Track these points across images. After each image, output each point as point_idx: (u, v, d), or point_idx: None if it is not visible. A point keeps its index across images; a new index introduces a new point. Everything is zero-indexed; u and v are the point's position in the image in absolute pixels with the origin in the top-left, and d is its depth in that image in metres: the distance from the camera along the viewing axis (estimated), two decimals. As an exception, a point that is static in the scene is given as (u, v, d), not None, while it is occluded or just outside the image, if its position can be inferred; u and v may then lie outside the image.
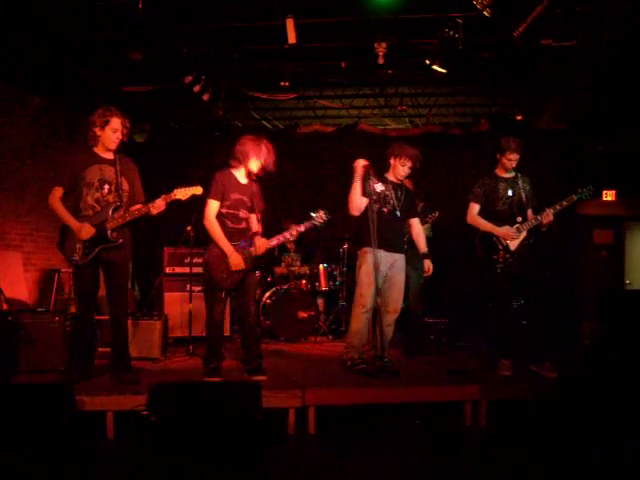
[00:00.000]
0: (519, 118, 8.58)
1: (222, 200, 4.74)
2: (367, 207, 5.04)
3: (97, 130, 4.51)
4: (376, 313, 5.02)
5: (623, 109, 7.14)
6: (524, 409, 4.45)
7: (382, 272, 5.06)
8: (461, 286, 8.53)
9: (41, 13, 5.42)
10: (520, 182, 5.17)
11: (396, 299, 5.20)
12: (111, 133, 4.51)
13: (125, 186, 4.61)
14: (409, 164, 5.14)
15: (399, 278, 5.21)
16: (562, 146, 8.32)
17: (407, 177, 5.31)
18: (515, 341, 5.19)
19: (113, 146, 4.57)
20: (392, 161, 5.21)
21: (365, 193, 5.03)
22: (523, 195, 5.13)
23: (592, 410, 4.11)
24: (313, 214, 4.86)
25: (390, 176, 5.23)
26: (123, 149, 4.69)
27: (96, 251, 4.47)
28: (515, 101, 8.48)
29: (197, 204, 4.80)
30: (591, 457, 3.77)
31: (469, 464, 3.82)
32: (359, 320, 5.15)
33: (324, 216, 4.84)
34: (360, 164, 5.06)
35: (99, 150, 4.58)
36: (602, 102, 7.16)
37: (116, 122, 4.51)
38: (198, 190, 4.59)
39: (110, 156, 4.61)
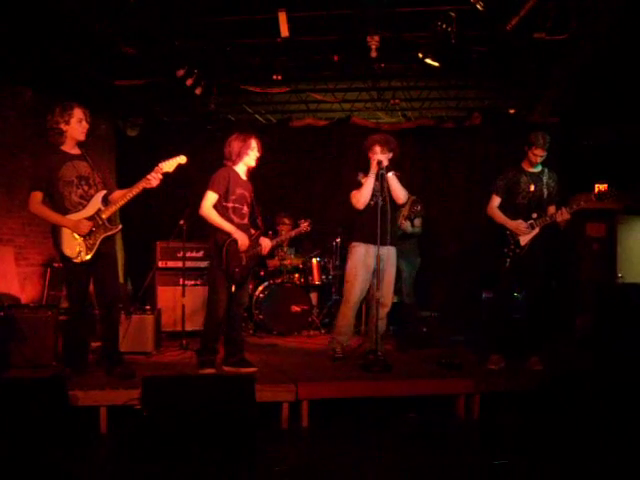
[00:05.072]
0: (511, 112, 8.58)
1: (228, 194, 4.76)
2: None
3: (62, 126, 4.44)
4: (368, 307, 5.06)
5: (615, 102, 7.15)
6: (517, 402, 4.47)
7: (371, 266, 5.10)
8: (454, 279, 8.55)
9: (33, 7, 5.37)
10: (545, 178, 5.15)
11: (387, 292, 5.25)
12: (77, 124, 4.47)
13: (99, 179, 4.59)
14: (378, 149, 5.15)
15: (389, 271, 5.24)
16: (554, 139, 8.32)
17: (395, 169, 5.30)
18: (508, 336, 5.20)
19: (82, 137, 4.52)
20: (370, 154, 5.23)
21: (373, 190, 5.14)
22: (545, 191, 5.11)
23: (584, 403, 4.14)
24: (300, 222, 5.56)
25: (373, 169, 5.18)
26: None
27: (99, 242, 4.45)
28: (508, 95, 8.48)
29: (190, 197, 4.79)
30: (584, 449, 3.80)
31: (462, 457, 3.85)
32: (344, 316, 5.29)
33: (308, 226, 5.51)
34: (376, 161, 5.09)
35: (67, 147, 4.53)
36: (594, 96, 7.17)
37: (79, 112, 4.46)
38: (182, 159, 4.58)
39: (78, 151, 4.57)
